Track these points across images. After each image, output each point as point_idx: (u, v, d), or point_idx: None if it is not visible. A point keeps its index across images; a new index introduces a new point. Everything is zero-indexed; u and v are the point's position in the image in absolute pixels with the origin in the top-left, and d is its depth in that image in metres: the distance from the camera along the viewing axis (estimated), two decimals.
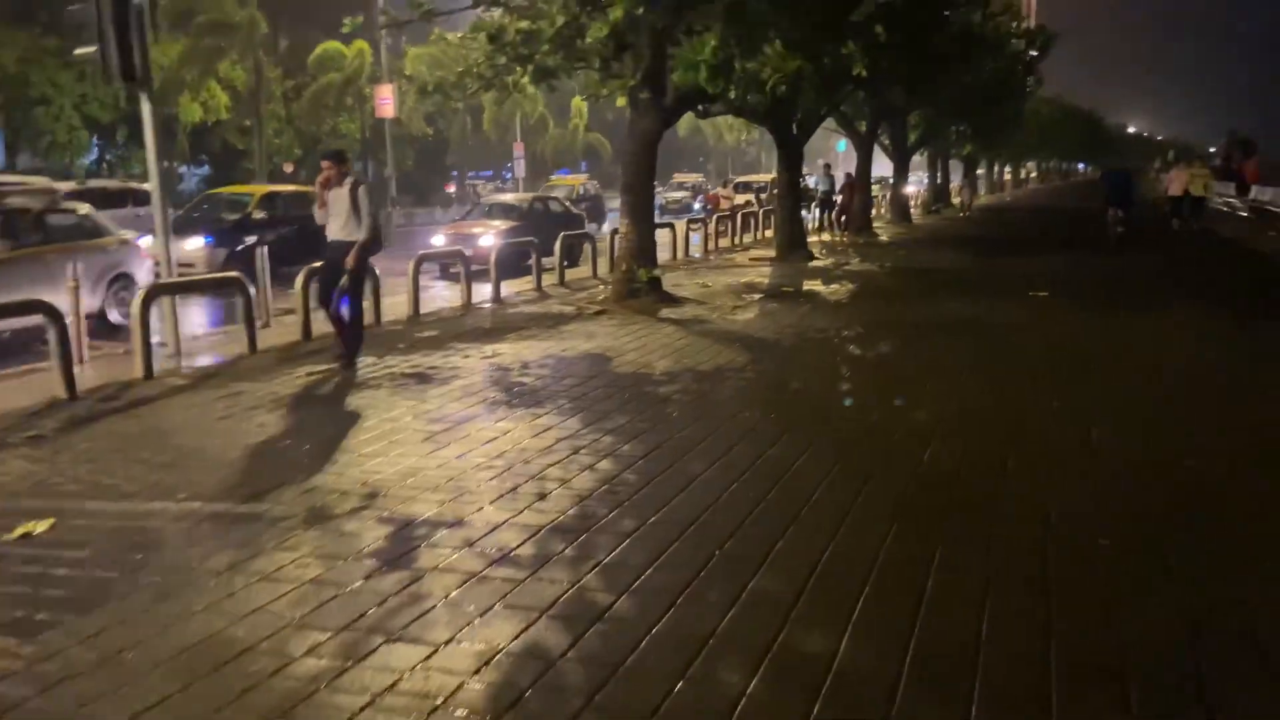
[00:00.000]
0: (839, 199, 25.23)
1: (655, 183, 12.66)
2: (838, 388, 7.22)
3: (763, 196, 30.67)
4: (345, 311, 8.06)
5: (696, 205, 31.58)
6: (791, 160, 17.72)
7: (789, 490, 4.79)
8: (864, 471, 5.06)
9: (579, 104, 48.43)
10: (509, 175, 59.23)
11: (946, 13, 15.91)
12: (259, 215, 16.27)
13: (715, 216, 21.79)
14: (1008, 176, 68.66)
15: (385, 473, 5.16)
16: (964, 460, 5.26)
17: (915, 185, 41.97)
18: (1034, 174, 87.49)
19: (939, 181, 39.56)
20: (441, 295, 13.53)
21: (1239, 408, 6.44)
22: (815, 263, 17.15)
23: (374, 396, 7.00)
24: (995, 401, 6.64)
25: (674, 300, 11.94)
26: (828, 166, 25.87)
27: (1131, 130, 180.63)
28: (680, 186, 40.96)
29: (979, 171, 51.91)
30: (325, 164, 8.08)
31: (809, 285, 13.81)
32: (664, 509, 4.52)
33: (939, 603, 3.54)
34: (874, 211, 34.23)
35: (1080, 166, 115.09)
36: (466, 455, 5.46)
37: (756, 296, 12.54)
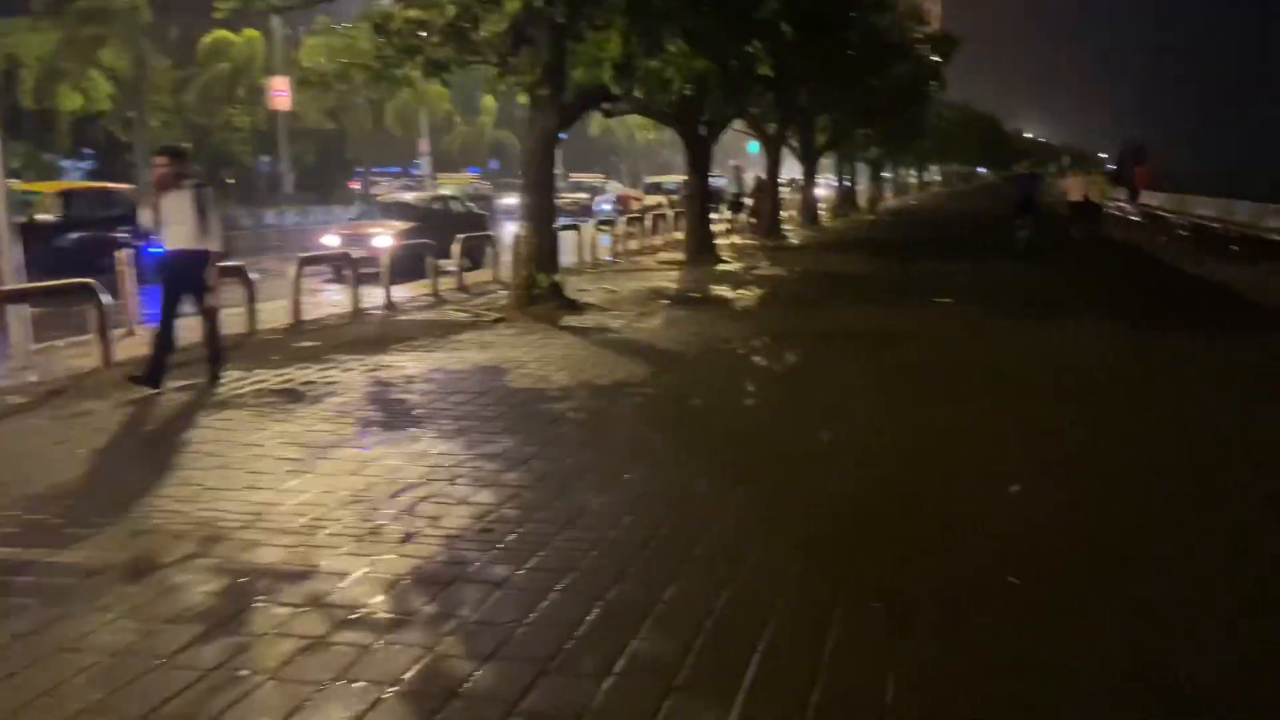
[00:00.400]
0: (749, 201, 25.16)
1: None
2: (740, 404, 6.87)
3: (674, 198, 30.42)
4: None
5: (607, 206, 31.11)
6: (699, 162, 17.45)
7: (682, 525, 4.39)
8: (763, 503, 4.70)
9: (488, 100, 47.52)
10: (417, 171, 57.92)
11: (853, 14, 15.82)
12: (47, 218, 14.17)
13: (624, 218, 21.39)
14: (913, 180, 70.25)
15: (232, 511, 4.57)
16: (868, 488, 4.94)
17: (825, 188, 42.41)
18: (938, 178, 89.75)
19: (847, 184, 40.00)
20: (332, 300, 12.78)
21: (1149, 425, 6.30)
22: (724, 267, 16.90)
23: (235, 418, 6.35)
24: (900, 420, 6.38)
25: (576, 307, 11.48)
26: (738, 168, 25.77)
27: (1028, 136, 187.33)
28: (579, 187, 39.51)
29: (885, 175, 52.90)
30: (160, 160, 7.11)
31: (716, 291, 13.52)
32: (542, 552, 4.06)
33: (841, 661, 3.17)
34: (783, 214, 34.41)
35: (981, 170, 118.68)
36: (329, 488, 4.91)
37: (662, 303, 12.17)
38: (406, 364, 8.20)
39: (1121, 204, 29.19)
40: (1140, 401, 6.88)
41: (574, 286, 13.75)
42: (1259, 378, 7.67)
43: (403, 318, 11.08)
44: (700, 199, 17.59)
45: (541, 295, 11.28)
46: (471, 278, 14.97)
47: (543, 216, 11.44)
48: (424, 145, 55.23)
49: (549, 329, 10.12)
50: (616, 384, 7.41)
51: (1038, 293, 12.93)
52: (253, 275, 9.87)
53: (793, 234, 25.64)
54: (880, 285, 14.22)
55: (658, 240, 23.09)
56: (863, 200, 44.03)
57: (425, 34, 10.54)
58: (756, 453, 5.59)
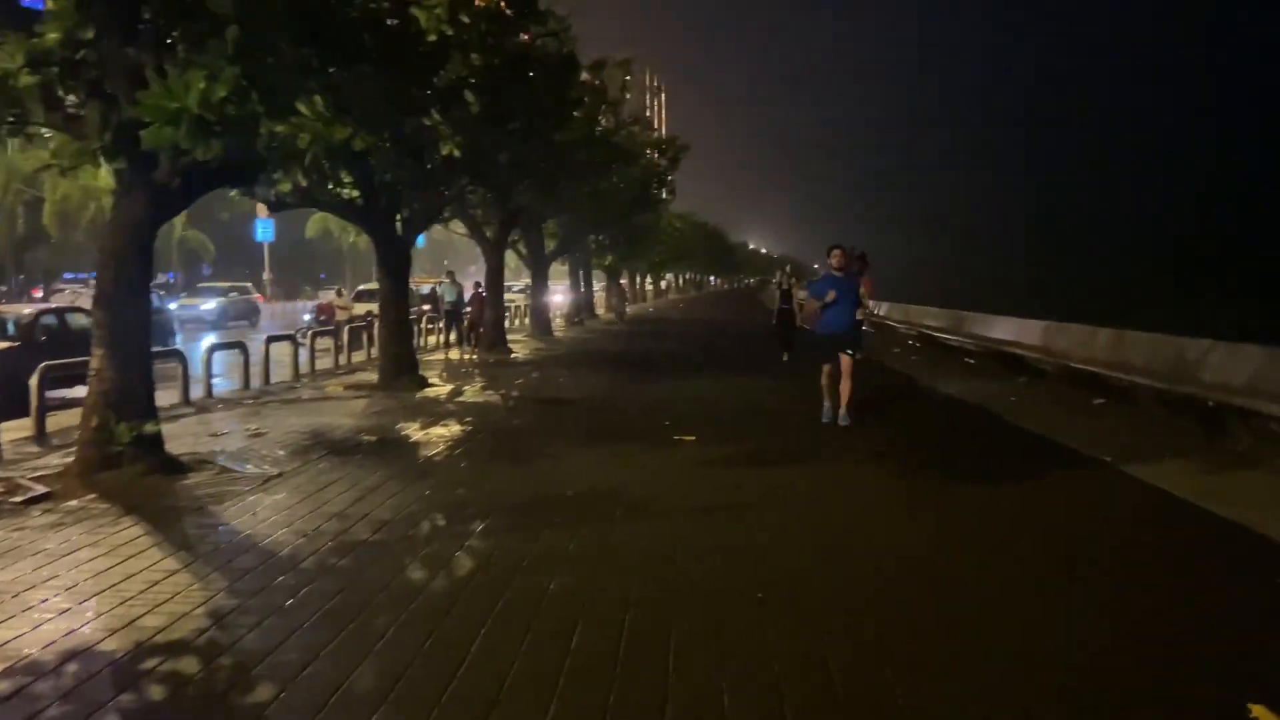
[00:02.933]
0: (469, 311, 22.46)
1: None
2: (356, 693, 3.82)
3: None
4: None
5: (306, 317, 27.22)
6: (395, 266, 14.48)
7: None
8: None
9: None
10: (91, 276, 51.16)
11: (566, 102, 13.71)
12: None
13: (310, 333, 17.86)
14: (649, 286, 70.94)
15: None
16: None
17: (563, 294, 40.67)
18: (672, 286, 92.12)
19: (582, 291, 38.40)
20: None
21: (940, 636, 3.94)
22: (426, 392, 13.86)
23: None
24: (621, 688, 3.62)
25: (179, 469, 8.02)
26: (452, 274, 23.02)
27: (752, 246, 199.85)
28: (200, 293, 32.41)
29: (624, 281, 52.37)
30: None
31: (402, 431, 10.43)
32: None
33: None
34: (515, 323, 31.95)
35: (712, 280, 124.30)
36: None
37: (317, 455, 8.92)
38: None
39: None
40: (916, 609, 4.56)
41: (213, 426, 10.27)
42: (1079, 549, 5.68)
43: None
44: (395, 310, 14.54)
45: (123, 454, 7.73)
46: (70, 420, 11.07)
47: (128, 341, 7.96)
48: None
49: (112, 513, 6.62)
50: (137, 650, 4.16)
51: (792, 426, 10.90)
52: None
53: (521, 347, 23.10)
54: (610, 414, 11.74)
55: (360, 357, 19.74)
56: (600, 307, 42.74)
57: None
58: None
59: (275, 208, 13.65)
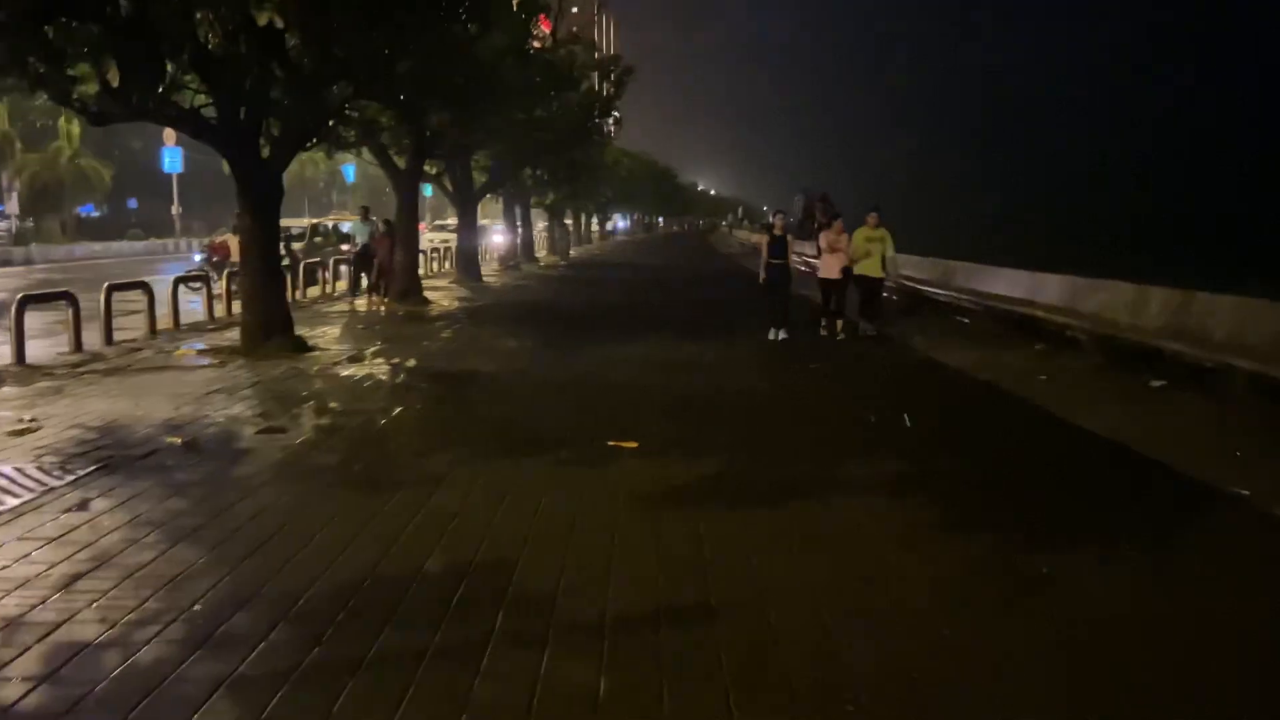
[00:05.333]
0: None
1: None
2: None
3: (296, 246, 23.70)
4: None
5: (197, 257, 23.89)
6: (260, 199, 11.38)
7: None
8: None
9: (65, 122, 37.70)
10: (2, 209, 46.66)
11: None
12: None
13: (176, 280, 14.70)
14: (595, 227, 67.68)
15: None
16: None
17: (502, 235, 37.47)
18: (622, 225, 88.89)
19: (520, 232, 35.23)
20: None
21: None
22: (299, 359, 10.92)
23: None
24: None
25: None
26: (366, 210, 19.82)
27: (701, 187, 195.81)
28: None
29: (568, 222, 49.24)
30: None
31: (229, 427, 7.52)
32: None
33: None
34: (445, 266, 28.80)
35: (659, 220, 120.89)
36: None
37: (76, 474, 6.00)
38: None
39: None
40: None
41: None
42: None
43: None
44: (261, 255, 11.47)
45: None
46: None
47: None
48: (4, 179, 44.16)
49: None
50: None
51: (773, 428, 8.22)
52: None
53: (441, 295, 20.12)
54: (525, 399, 8.98)
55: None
56: (541, 249, 39.64)
57: None
58: None
59: (97, 120, 10.43)
